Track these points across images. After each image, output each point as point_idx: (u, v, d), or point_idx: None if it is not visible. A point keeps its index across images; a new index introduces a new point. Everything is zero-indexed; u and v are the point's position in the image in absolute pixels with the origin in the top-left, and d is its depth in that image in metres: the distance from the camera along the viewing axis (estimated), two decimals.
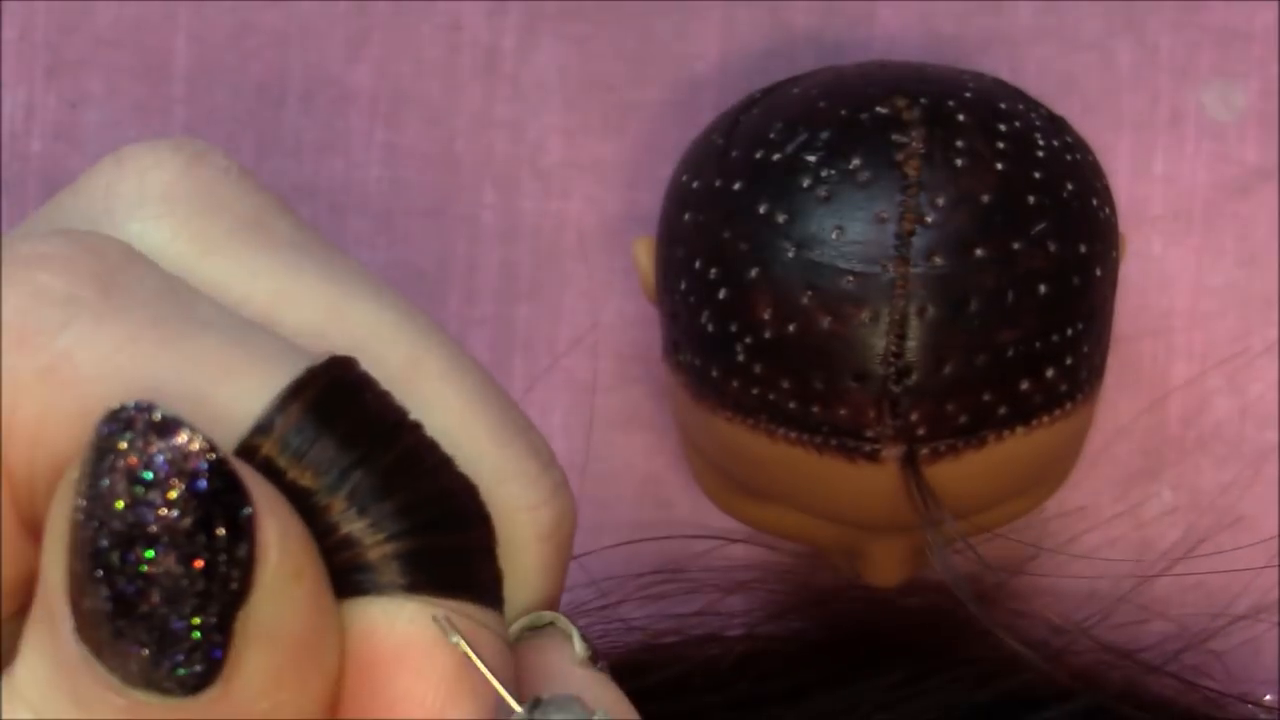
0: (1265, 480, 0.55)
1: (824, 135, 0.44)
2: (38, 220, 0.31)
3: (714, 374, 0.45)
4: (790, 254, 0.43)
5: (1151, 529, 0.55)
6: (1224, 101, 0.55)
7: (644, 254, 0.48)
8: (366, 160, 0.56)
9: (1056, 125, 0.46)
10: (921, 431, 0.43)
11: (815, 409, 0.43)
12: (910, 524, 0.45)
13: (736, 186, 0.44)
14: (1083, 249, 0.44)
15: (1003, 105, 0.45)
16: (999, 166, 0.43)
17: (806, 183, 0.43)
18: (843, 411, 0.43)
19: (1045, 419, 0.44)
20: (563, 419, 0.56)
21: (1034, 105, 0.46)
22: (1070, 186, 0.44)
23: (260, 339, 0.28)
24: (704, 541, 0.55)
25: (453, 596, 0.27)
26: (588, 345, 0.56)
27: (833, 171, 0.43)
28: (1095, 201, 0.45)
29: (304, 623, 0.26)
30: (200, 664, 0.25)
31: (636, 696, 0.31)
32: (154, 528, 0.25)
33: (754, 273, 0.43)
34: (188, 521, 0.25)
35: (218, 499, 0.25)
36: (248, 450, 0.26)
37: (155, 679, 0.25)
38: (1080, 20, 0.55)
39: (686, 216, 0.45)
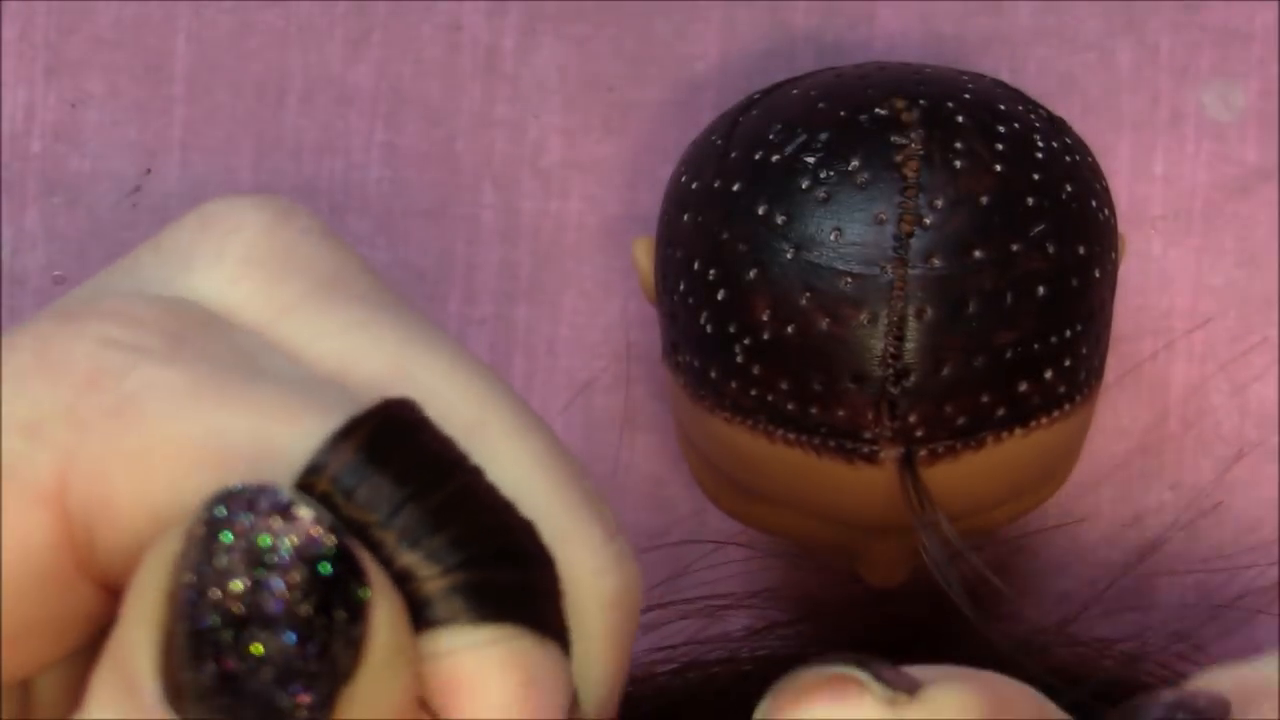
0: (1265, 480, 0.55)
1: (823, 136, 0.44)
2: (115, 273, 0.31)
3: (713, 375, 0.45)
4: (789, 255, 0.43)
5: (1151, 529, 0.55)
6: (1224, 101, 0.55)
7: (643, 254, 0.48)
8: (366, 160, 0.56)
9: (1056, 127, 0.46)
10: (920, 433, 0.43)
11: (814, 410, 0.43)
12: (909, 524, 0.45)
13: (736, 187, 0.44)
14: (1081, 250, 0.44)
15: (1002, 107, 0.45)
16: (998, 168, 0.43)
17: (805, 184, 0.43)
18: (841, 413, 0.43)
19: (1044, 420, 0.44)
20: (563, 419, 0.56)
21: (1034, 106, 0.46)
22: (1069, 188, 0.44)
23: (321, 388, 0.28)
24: (705, 545, 0.55)
25: (517, 629, 0.27)
26: (587, 345, 0.56)
27: (831, 173, 0.43)
28: (1094, 203, 0.45)
29: (403, 696, 0.26)
30: None
31: None
32: (274, 610, 0.25)
33: (753, 274, 0.43)
34: (309, 606, 0.25)
35: (339, 583, 0.25)
36: (303, 489, 0.26)
37: None
38: (1080, 20, 0.55)
39: (685, 217, 0.45)
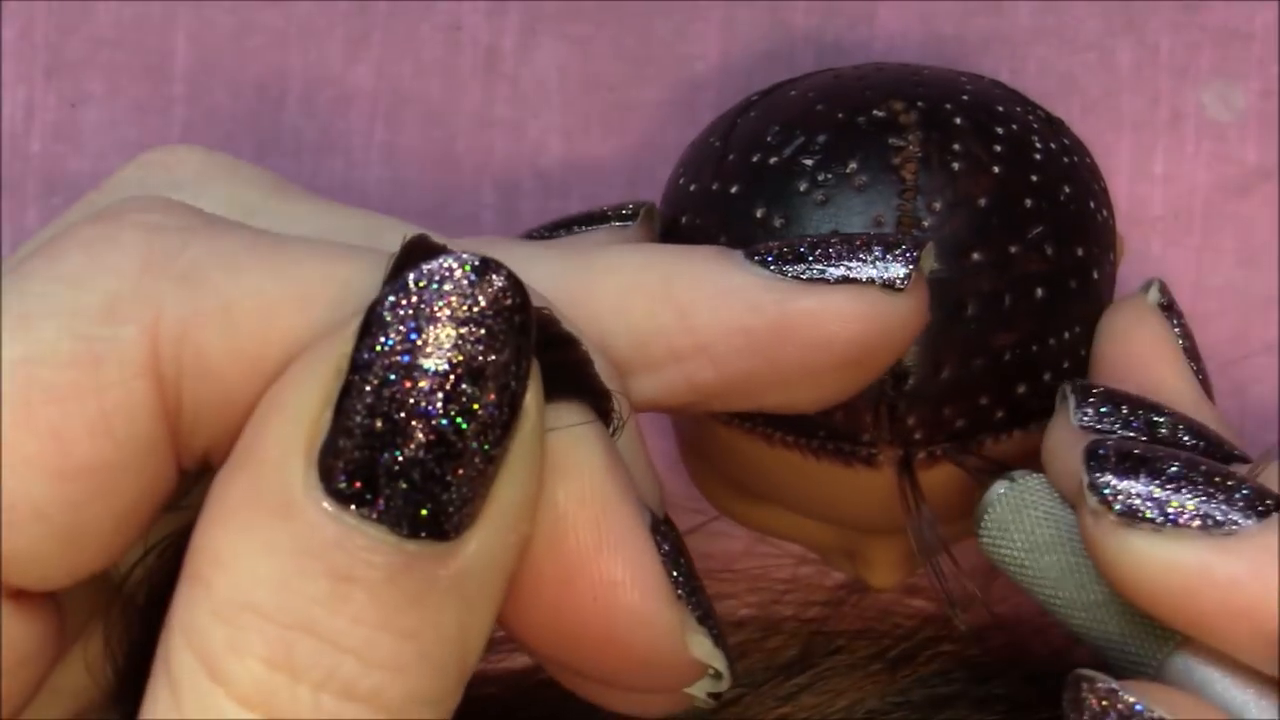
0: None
1: (821, 138, 0.43)
2: (62, 224, 0.33)
3: None
4: None
5: None
6: (1224, 101, 0.55)
7: None
8: (366, 160, 0.56)
9: (1054, 127, 0.46)
10: (918, 436, 0.43)
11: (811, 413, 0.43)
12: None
13: (734, 190, 0.44)
14: (1080, 252, 0.44)
15: (1000, 108, 0.45)
16: (996, 170, 0.43)
17: (803, 186, 0.43)
18: (839, 416, 0.43)
19: (1043, 423, 0.44)
20: None
21: (1032, 107, 0.46)
22: (1067, 189, 0.44)
23: (337, 244, 0.31)
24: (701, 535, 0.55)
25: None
26: None
27: (830, 175, 0.43)
28: (1093, 204, 0.45)
29: (540, 455, 0.29)
30: (468, 503, 0.27)
31: None
32: (484, 365, 0.27)
33: None
34: (506, 356, 0.27)
35: (525, 332, 0.27)
36: None
37: (437, 520, 0.27)
38: (1080, 20, 0.55)
39: (684, 220, 0.45)
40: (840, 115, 0.44)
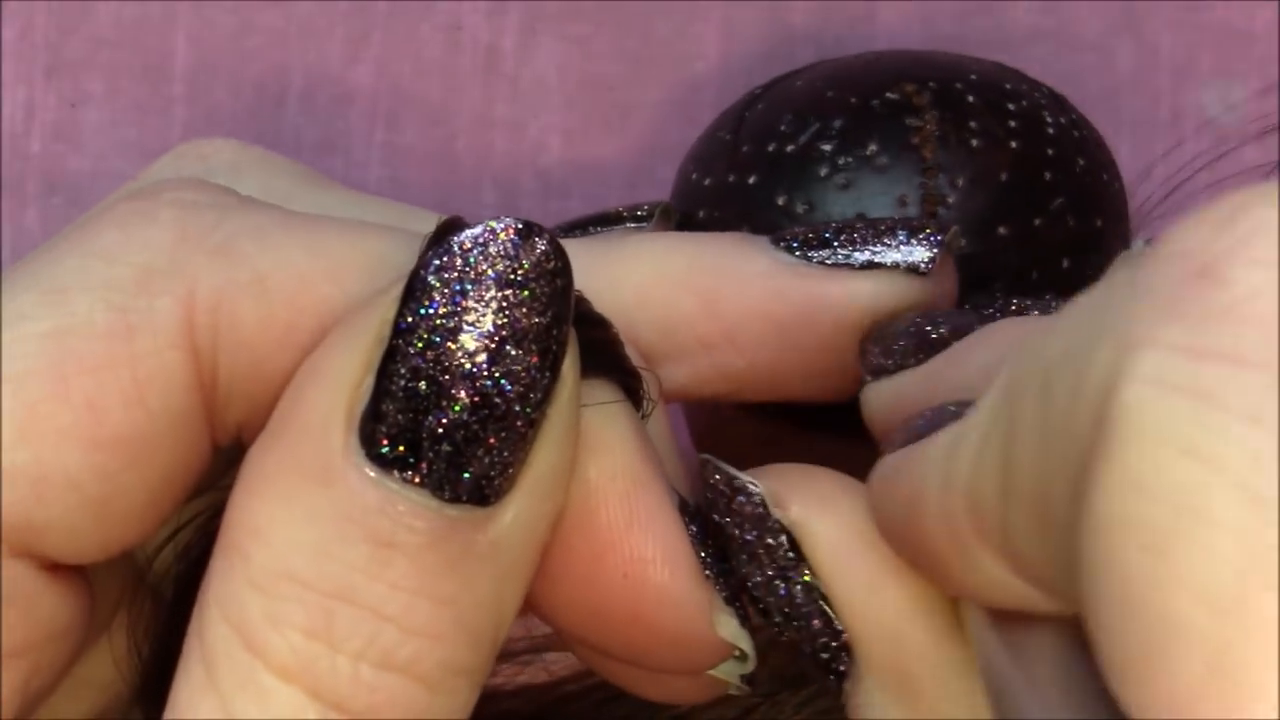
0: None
1: (837, 123, 0.43)
2: (98, 210, 0.34)
3: None
4: None
5: None
6: (1224, 102, 0.56)
7: None
8: (366, 160, 0.56)
9: (1060, 103, 0.46)
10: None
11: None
12: None
13: (751, 180, 0.44)
14: (1099, 223, 0.44)
15: (1008, 85, 0.45)
16: (1013, 145, 0.43)
17: (824, 171, 0.43)
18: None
19: None
20: None
21: (1036, 84, 0.46)
22: (1081, 161, 0.44)
23: (367, 222, 0.31)
24: None
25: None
26: None
27: (850, 159, 0.43)
28: (1105, 175, 0.45)
29: (575, 423, 0.29)
30: (509, 467, 0.27)
31: None
32: (528, 327, 0.27)
33: None
34: (548, 319, 0.27)
35: (566, 296, 0.28)
36: None
37: (479, 484, 0.27)
38: (1080, 20, 0.56)
39: (702, 214, 0.45)
40: (853, 100, 0.44)
